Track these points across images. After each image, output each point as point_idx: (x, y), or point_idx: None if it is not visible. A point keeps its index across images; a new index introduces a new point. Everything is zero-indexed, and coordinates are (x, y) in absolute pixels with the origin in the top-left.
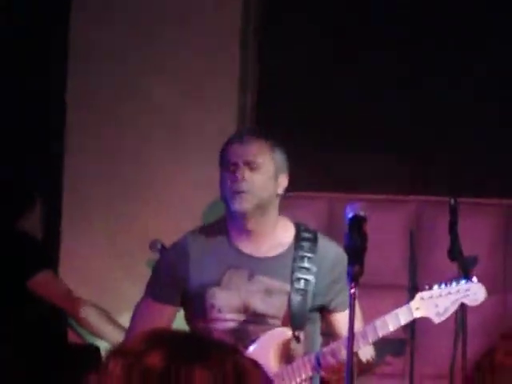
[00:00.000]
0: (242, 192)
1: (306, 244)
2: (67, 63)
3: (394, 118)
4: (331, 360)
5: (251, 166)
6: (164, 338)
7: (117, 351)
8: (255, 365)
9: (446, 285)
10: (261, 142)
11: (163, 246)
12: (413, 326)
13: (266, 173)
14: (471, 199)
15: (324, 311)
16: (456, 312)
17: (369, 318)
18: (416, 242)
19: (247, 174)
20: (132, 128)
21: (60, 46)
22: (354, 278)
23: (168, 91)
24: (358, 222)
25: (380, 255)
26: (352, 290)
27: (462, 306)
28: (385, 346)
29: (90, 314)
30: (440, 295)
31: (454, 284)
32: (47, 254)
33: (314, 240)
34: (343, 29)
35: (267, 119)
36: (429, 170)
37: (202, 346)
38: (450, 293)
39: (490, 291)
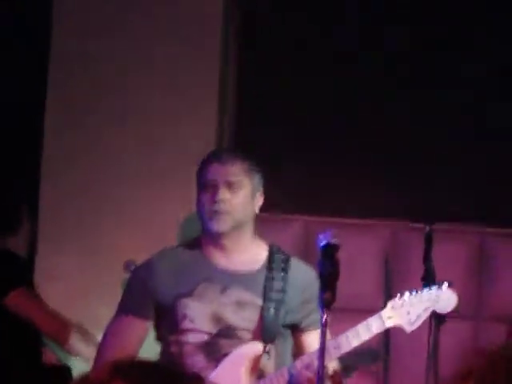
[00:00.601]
0: (221, 213)
1: (278, 265)
2: (47, 72)
3: (369, 143)
4: (305, 372)
5: (231, 186)
6: (128, 369)
7: (83, 381)
8: None
9: (416, 292)
10: (240, 162)
11: (137, 267)
12: (387, 346)
13: (244, 193)
14: (446, 226)
15: (295, 330)
16: (429, 335)
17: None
18: (391, 266)
19: (226, 194)
20: (106, 143)
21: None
22: (325, 304)
23: (145, 105)
24: (330, 250)
25: (354, 279)
26: (324, 317)
27: (435, 330)
28: (357, 357)
29: (77, 342)
30: (411, 303)
31: (424, 291)
32: (27, 272)
33: (287, 261)
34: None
35: (245, 141)
36: (404, 195)
37: (166, 376)
38: (421, 300)
39: (463, 317)
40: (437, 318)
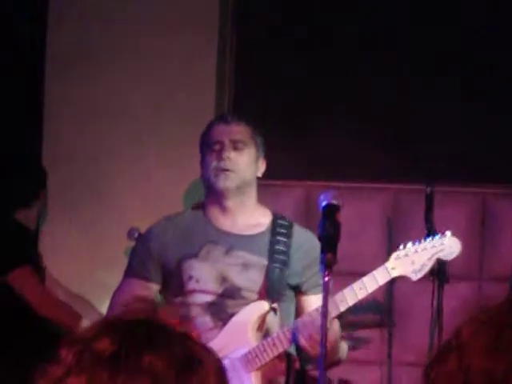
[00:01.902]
0: (227, 170)
1: (281, 230)
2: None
3: (370, 105)
4: (309, 329)
5: (236, 145)
6: (114, 325)
7: (68, 339)
8: (206, 349)
9: (420, 242)
10: (244, 124)
11: (140, 234)
12: (391, 314)
13: (249, 154)
14: (447, 187)
15: (297, 292)
16: (432, 299)
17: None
18: (392, 229)
19: (232, 153)
20: (107, 115)
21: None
22: (327, 265)
23: (146, 79)
24: (331, 211)
25: (357, 243)
26: (326, 278)
27: (439, 292)
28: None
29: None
30: (415, 252)
31: (428, 240)
32: (35, 248)
33: (290, 227)
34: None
35: (245, 107)
36: (406, 157)
37: (150, 331)
38: (425, 248)
39: (465, 278)
40: (440, 278)
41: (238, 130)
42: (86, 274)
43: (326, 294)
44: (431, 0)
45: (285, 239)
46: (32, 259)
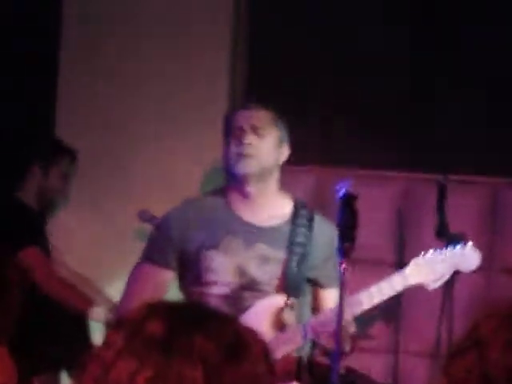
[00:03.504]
0: (247, 156)
1: (302, 221)
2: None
3: (383, 94)
4: (321, 329)
5: (257, 131)
6: (163, 308)
7: (117, 323)
8: (254, 334)
9: (440, 250)
10: (266, 110)
11: (152, 216)
12: (399, 302)
13: (270, 140)
14: (459, 177)
15: (314, 285)
16: (443, 289)
17: (354, 293)
18: (403, 218)
19: (253, 139)
20: (121, 101)
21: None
22: (345, 254)
23: (161, 68)
24: (349, 200)
25: (367, 231)
26: (343, 266)
27: (449, 284)
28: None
29: (100, 317)
30: (435, 261)
31: (448, 249)
32: (39, 227)
33: (311, 218)
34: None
35: (258, 94)
36: (417, 146)
37: (201, 315)
38: (444, 258)
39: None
40: None
41: (259, 116)
42: (97, 256)
43: (343, 283)
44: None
45: (305, 231)
46: (39, 240)
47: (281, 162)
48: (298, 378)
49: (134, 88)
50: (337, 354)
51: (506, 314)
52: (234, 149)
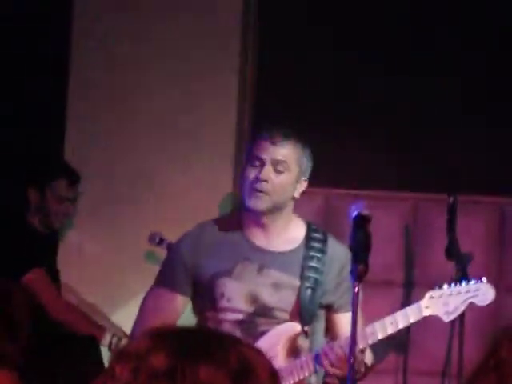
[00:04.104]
0: (261, 192)
1: (316, 244)
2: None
3: (392, 115)
4: (332, 357)
5: (277, 167)
6: (167, 336)
7: (122, 354)
8: (259, 354)
9: (455, 284)
10: (292, 145)
11: (162, 239)
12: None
13: (288, 177)
14: (467, 197)
15: (328, 311)
16: None
17: (365, 315)
18: (412, 238)
19: (271, 174)
20: (131, 125)
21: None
22: (358, 276)
23: (168, 92)
24: (362, 221)
25: (376, 252)
26: (356, 289)
27: None
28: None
29: (108, 343)
30: (450, 294)
31: (463, 284)
32: (46, 250)
33: (324, 241)
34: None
35: (265, 117)
36: (426, 167)
37: (204, 341)
38: (459, 292)
39: None
40: None
41: (282, 152)
42: (110, 278)
43: (356, 305)
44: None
45: (319, 255)
46: (44, 263)
47: (297, 195)
48: None
49: (145, 110)
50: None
51: None
52: (250, 182)
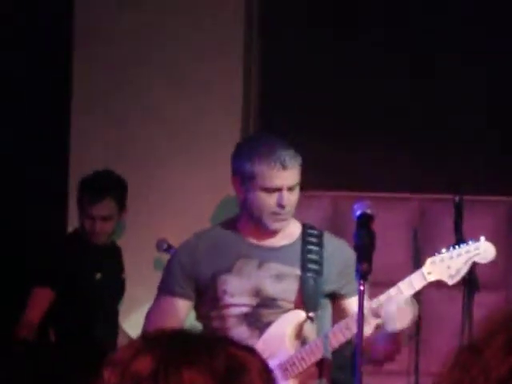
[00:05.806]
0: (285, 215)
1: (312, 239)
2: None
3: (397, 117)
4: (341, 338)
5: (292, 189)
6: (154, 341)
7: (111, 360)
8: (252, 355)
9: (454, 247)
10: (298, 165)
11: (169, 246)
12: (418, 323)
13: (298, 188)
14: (474, 196)
15: (335, 297)
16: (462, 308)
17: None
18: (419, 239)
19: (288, 196)
20: (140, 130)
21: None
22: (362, 275)
23: (175, 96)
24: (365, 220)
25: (383, 253)
26: (361, 288)
27: (469, 300)
28: None
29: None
30: (451, 257)
31: (463, 245)
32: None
33: (320, 236)
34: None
35: (271, 120)
36: (432, 167)
37: (190, 345)
38: (460, 254)
39: (492, 288)
40: (470, 286)
41: (295, 176)
42: None
43: (361, 303)
44: None
45: (316, 248)
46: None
47: None
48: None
49: (148, 119)
50: (357, 371)
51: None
52: (272, 208)
